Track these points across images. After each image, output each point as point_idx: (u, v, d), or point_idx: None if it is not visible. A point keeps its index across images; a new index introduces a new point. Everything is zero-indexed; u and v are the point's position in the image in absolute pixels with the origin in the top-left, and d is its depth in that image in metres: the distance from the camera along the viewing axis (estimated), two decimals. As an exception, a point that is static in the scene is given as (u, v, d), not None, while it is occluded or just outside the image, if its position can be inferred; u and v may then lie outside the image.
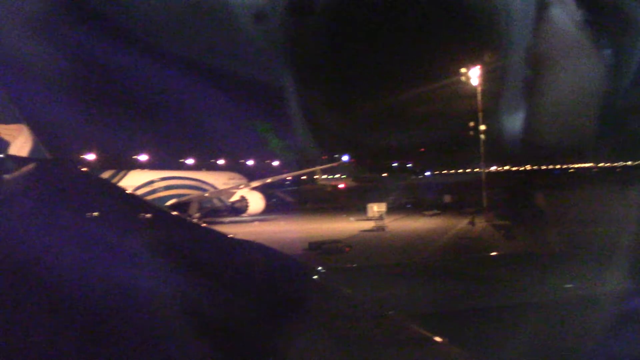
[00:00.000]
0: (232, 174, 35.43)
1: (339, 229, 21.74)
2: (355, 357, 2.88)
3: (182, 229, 5.07)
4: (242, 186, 32.00)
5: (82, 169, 7.81)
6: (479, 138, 24.39)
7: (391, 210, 24.90)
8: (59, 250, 3.47)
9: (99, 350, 2.69)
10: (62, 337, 2.75)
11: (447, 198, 29.23)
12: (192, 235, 4.65)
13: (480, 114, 24.62)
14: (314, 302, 3.47)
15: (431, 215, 24.61)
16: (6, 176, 4.86)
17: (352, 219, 24.16)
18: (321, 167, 40.11)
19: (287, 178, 39.00)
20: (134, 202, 6.00)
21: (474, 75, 24.79)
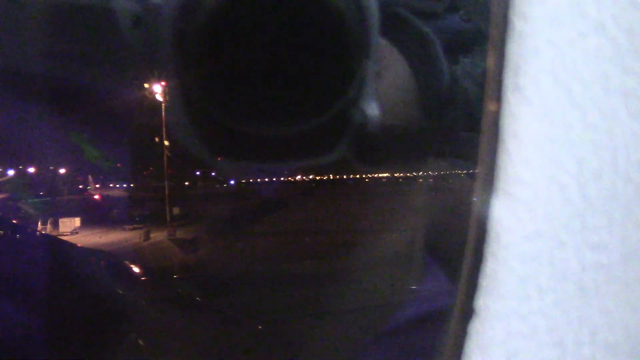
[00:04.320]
0: None
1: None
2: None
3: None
4: None
5: None
6: (163, 152, 22.99)
7: (104, 223, 22.88)
8: None
9: None
10: None
11: (175, 210, 27.39)
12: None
13: (163, 129, 23.09)
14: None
15: (130, 229, 22.38)
16: None
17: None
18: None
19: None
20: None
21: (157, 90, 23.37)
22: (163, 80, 0.70)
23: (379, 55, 0.70)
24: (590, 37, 0.39)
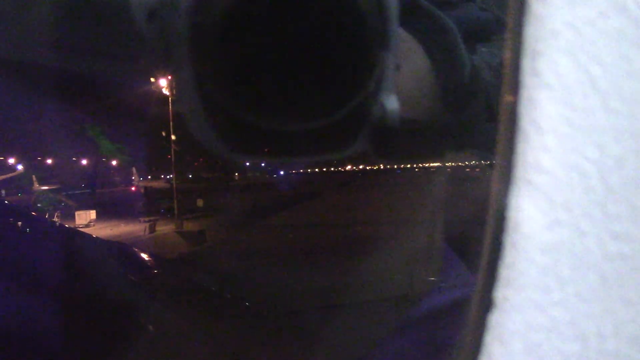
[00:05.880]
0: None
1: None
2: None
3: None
4: None
5: None
6: (170, 147, 22.46)
7: (123, 216, 22.43)
8: None
9: None
10: None
11: (199, 202, 26.93)
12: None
13: (171, 124, 22.32)
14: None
15: (145, 221, 21.97)
16: None
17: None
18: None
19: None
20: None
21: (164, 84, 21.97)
22: (177, 74, 0.69)
23: (398, 47, 0.69)
24: (611, 17, 0.38)
